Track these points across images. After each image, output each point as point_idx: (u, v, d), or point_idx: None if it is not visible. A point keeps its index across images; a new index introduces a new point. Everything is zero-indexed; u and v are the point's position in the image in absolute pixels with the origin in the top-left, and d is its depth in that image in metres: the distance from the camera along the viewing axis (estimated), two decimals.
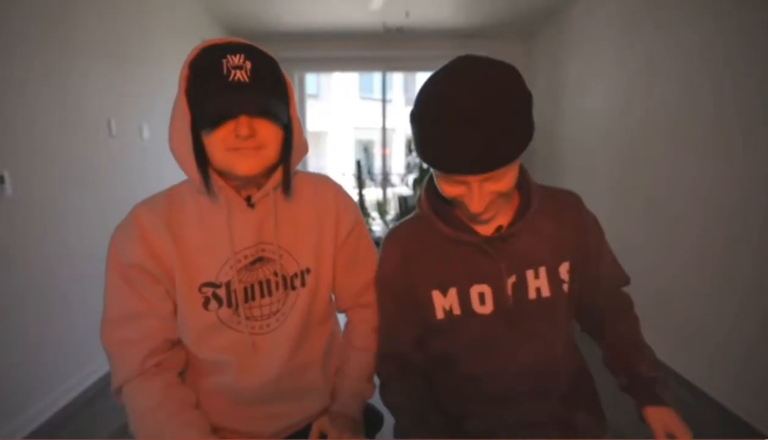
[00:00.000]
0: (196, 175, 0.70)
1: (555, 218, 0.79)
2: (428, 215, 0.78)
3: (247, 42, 0.68)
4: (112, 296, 0.77)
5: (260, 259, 0.77)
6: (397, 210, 4.60)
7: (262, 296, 0.78)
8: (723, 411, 1.93)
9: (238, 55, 0.64)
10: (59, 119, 2.00)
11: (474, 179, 0.65)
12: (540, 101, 4.80)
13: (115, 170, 2.42)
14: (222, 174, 0.72)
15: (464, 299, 0.77)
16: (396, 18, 3.89)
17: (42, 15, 1.90)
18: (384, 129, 5.08)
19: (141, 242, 0.73)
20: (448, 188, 0.69)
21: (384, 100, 5.05)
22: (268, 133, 0.69)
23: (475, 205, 0.66)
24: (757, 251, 1.82)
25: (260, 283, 0.78)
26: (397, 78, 12.43)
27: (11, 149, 1.74)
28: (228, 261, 0.75)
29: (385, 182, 5.19)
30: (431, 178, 0.79)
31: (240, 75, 0.64)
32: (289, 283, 0.80)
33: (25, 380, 1.79)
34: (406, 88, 12.93)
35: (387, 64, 4.82)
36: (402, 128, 11.37)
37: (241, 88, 0.64)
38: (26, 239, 1.81)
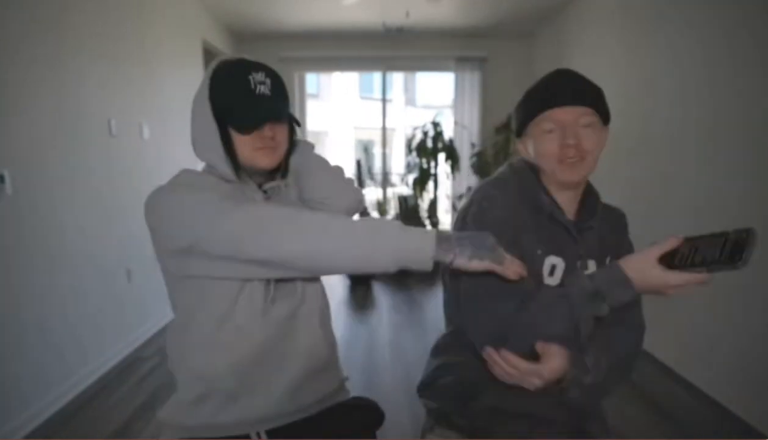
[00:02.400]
0: (229, 171, 0.81)
1: (609, 223, 0.90)
2: (532, 185, 0.84)
3: (259, 62, 0.82)
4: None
5: None
6: (397, 210, 4.60)
7: None
8: (723, 411, 1.94)
9: (260, 73, 0.80)
10: (59, 119, 2.01)
11: (571, 118, 0.78)
12: None
13: (115, 169, 2.42)
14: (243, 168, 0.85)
15: (537, 267, 0.81)
16: (396, 18, 3.89)
17: (42, 15, 1.90)
18: (384, 129, 5.08)
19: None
20: (548, 142, 0.80)
21: (384, 100, 5.05)
22: (283, 133, 0.84)
23: (570, 137, 0.78)
24: (760, 251, 1.82)
25: None
26: (397, 78, 12.41)
27: (11, 149, 1.75)
28: None
29: (385, 182, 5.19)
30: (519, 166, 0.88)
31: (263, 89, 0.79)
32: None
33: (25, 379, 1.79)
34: (406, 88, 12.92)
35: (387, 64, 4.82)
36: (402, 128, 11.36)
37: (266, 99, 0.80)
38: (26, 238, 1.81)
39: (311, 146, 0.97)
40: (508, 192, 0.83)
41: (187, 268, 0.75)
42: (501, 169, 0.90)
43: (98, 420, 1.89)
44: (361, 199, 1.01)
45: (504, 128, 4.41)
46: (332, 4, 3.60)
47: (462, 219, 0.85)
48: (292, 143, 0.90)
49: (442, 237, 0.68)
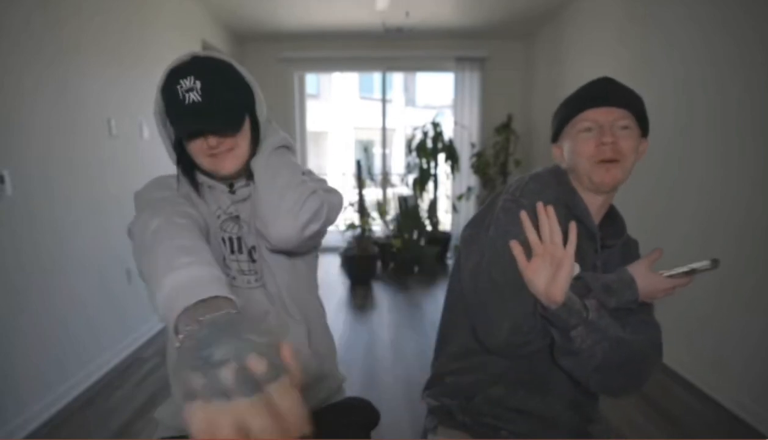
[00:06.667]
0: (185, 180, 0.81)
1: (625, 250, 0.90)
2: (568, 186, 0.84)
3: (201, 55, 0.76)
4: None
5: (236, 218, 0.84)
6: (397, 210, 4.59)
7: (232, 252, 0.84)
8: (723, 411, 1.94)
9: (188, 78, 0.72)
10: (59, 119, 2.00)
11: (609, 118, 0.79)
12: (539, 100, 4.76)
13: (115, 169, 2.42)
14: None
15: None
16: (396, 18, 3.89)
17: (42, 15, 1.90)
18: (384, 129, 5.08)
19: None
20: (584, 142, 0.81)
21: (384, 100, 5.05)
22: (231, 137, 0.76)
23: (607, 136, 0.79)
24: (759, 251, 1.82)
25: (230, 239, 0.83)
26: (397, 78, 12.40)
27: (11, 149, 1.74)
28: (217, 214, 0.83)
29: (385, 182, 5.19)
30: (556, 168, 0.88)
31: (193, 96, 0.71)
32: (246, 252, 0.84)
33: (25, 380, 1.79)
34: (406, 88, 12.90)
35: (387, 64, 4.81)
36: (402, 128, 11.36)
37: (195, 108, 0.71)
38: (26, 238, 1.81)
39: (270, 147, 0.80)
40: (546, 188, 0.84)
41: None
42: (537, 169, 0.90)
43: (98, 420, 1.89)
44: (317, 233, 0.80)
45: (504, 128, 4.42)
46: (332, 4, 3.60)
47: (489, 206, 0.86)
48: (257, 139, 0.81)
49: None
